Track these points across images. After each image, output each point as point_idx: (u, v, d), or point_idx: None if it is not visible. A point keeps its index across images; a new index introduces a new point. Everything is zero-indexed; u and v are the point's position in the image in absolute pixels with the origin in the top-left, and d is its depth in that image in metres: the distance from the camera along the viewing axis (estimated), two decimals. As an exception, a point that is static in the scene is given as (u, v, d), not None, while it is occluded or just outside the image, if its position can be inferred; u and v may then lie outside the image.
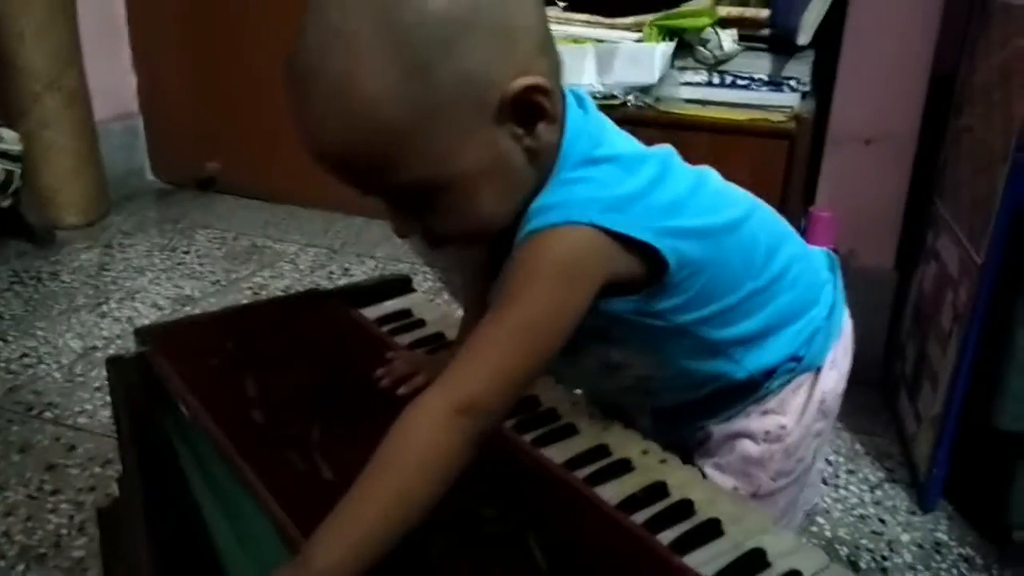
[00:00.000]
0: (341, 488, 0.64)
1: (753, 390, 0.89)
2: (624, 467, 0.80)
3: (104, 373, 1.75)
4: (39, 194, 2.55)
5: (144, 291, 2.23)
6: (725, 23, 1.66)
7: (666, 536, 0.71)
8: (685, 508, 0.74)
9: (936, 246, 1.61)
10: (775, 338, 0.87)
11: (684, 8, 1.68)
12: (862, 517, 1.44)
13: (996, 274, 1.31)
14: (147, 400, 0.95)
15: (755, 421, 0.90)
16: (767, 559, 0.68)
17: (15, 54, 2.47)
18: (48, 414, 1.66)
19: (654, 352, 0.85)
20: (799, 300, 0.88)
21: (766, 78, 1.65)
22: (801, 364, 0.89)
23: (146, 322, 2.00)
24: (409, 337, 1.06)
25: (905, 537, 1.40)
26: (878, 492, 1.51)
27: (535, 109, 0.69)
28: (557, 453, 0.82)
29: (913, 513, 1.45)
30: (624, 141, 0.79)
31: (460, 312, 1.04)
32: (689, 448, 0.93)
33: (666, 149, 0.81)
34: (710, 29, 1.64)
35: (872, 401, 1.77)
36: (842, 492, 1.51)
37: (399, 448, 0.65)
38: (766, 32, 1.66)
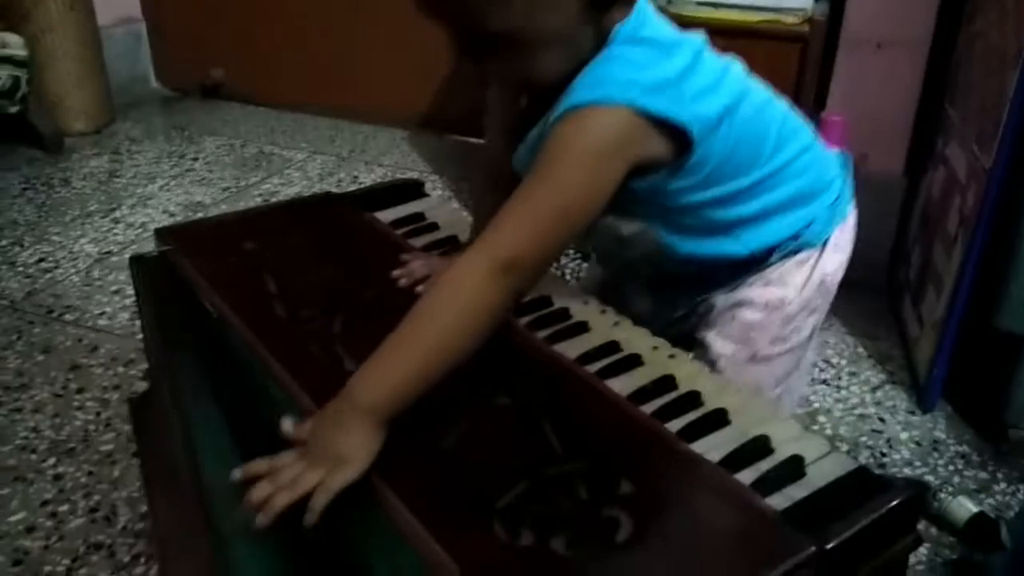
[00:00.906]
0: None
1: (755, 264, 0.95)
2: (634, 362, 0.83)
3: (121, 277, 1.78)
4: (46, 100, 2.54)
5: (155, 197, 2.25)
6: (739, -77, 1.63)
7: (674, 425, 0.74)
8: (692, 399, 0.78)
9: (945, 152, 1.61)
10: (777, 220, 0.92)
11: (698, -93, 1.65)
12: (862, 416, 1.48)
13: (1003, 178, 1.31)
14: (170, 296, 0.99)
15: (757, 291, 0.96)
16: (771, 445, 0.71)
17: (14, -44, 2.43)
18: (68, 316, 1.69)
19: (662, 227, 0.90)
20: (806, 188, 0.93)
21: (780, -21, 1.62)
22: (799, 242, 0.94)
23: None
24: (423, 240, 1.08)
25: (904, 435, 1.44)
26: (879, 393, 1.55)
27: None
28: (570, 349, 0.85)
29: (912, 413, 1.49)
30: (663, 25, 0.84)
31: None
32: (690, 328, 1.00)
33: (699, 37, 0.85)
34: (724, -71, 1.61)
35: (876, 306, 1.79)
36: (843, 392, 1.54)
37: (442, 301, 0.71)
38: (781, -68, 1.63)
